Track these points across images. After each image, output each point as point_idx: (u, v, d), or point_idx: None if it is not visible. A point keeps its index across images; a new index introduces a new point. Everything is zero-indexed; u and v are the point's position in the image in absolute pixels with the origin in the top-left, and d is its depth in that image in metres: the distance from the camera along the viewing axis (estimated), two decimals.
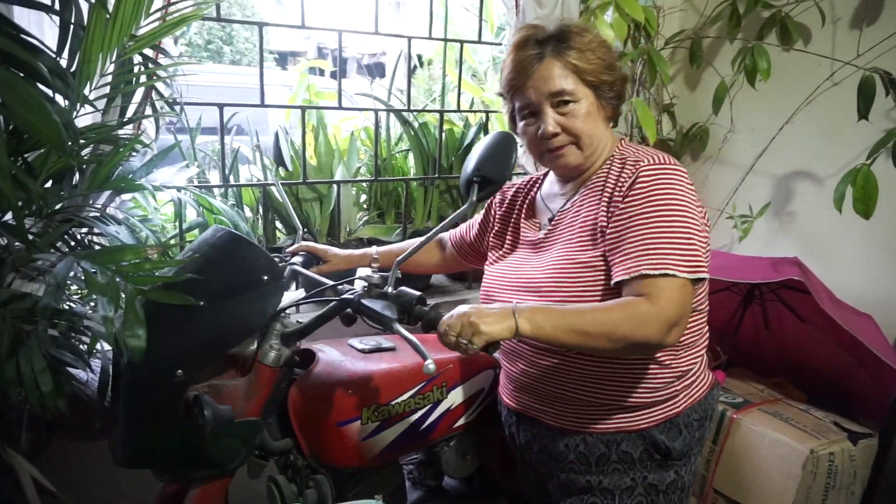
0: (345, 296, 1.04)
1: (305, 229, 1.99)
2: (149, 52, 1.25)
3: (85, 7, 1.02)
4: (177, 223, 1.65)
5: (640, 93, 2.15)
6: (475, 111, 2.35)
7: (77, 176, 1.17)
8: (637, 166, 1.03)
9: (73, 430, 1.40)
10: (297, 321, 1.12)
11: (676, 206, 0.98)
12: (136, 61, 1.18)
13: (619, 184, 1.04)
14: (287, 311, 1.11)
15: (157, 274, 0.99)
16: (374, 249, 1.35)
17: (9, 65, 0.84)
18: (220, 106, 1.68)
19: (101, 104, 1.14)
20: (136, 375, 0.97)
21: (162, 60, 1.36)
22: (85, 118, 1.24)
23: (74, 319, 1.06)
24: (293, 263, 1.32)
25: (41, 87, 0.90)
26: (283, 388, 1.12)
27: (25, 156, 1.03)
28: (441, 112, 2.13)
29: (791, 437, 1.52)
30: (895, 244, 1.76)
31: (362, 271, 1.04)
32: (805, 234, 2.00)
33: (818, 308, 1.52)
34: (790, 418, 1.61)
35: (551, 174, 1.23)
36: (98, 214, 1.22)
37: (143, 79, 1.28)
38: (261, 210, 2.00)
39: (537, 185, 1.27)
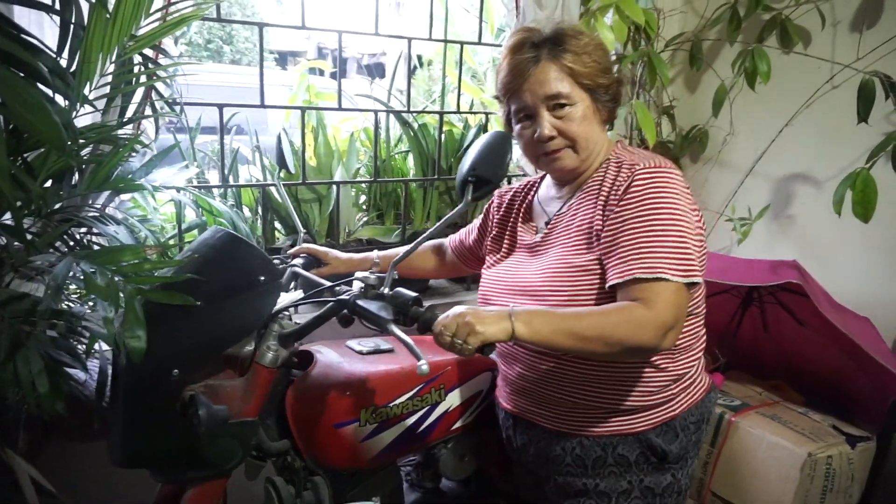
0: (341, 297, 1.04)
1: (306, 231, 1.99)
2: (149, 52, 1.24)
3: (85, 7, 1.02)
4: (176, 223, 1.65)
5: (639, 95, 2.15)
6: (475, 112, 2.35)
7: (76, 176, 1.17)
8: (632, 170, 1.02)
9: (71, 430, 1.40)
10: (296, 322, 1.12)
11: (670, 211, 0.98)
12: (136, 61, 1.18)
13: (615, 187, 1.04)
14: (285, 313, 1.11)
15: (155, 274, 0.99)
16: (375, 254, 1.35)
17: (9, 65, 0.84)
18: (220, 106, 1.68)
19: (100, 104, 1.14)
20: (134, 376, 0.97)
21: (162, 60, 1.36)
22: (85, 118, 1.24)
23: (73, 320, 1.06)
24: (294, 265, 1.32)
25: (41, 86, 0.90)
26: (281, 390, 1.12)
27: (25, 156, 1.03)
28: (441, 113, 2.13)
29: (789, 441, 1.53)
30: (894, 248, 1.76)
31: (360, 273, 1.04)
32: (804, 236, 2.00)
33: (816, 311, 1.52)
34: (788, 421, 1.61)
35: (548, 177, 1.23)
36: (97, 214, 1.21)
37: (143, 79, 1.28)
38: (260, 210, 2.00)
39: (534, 189, 1.28)
